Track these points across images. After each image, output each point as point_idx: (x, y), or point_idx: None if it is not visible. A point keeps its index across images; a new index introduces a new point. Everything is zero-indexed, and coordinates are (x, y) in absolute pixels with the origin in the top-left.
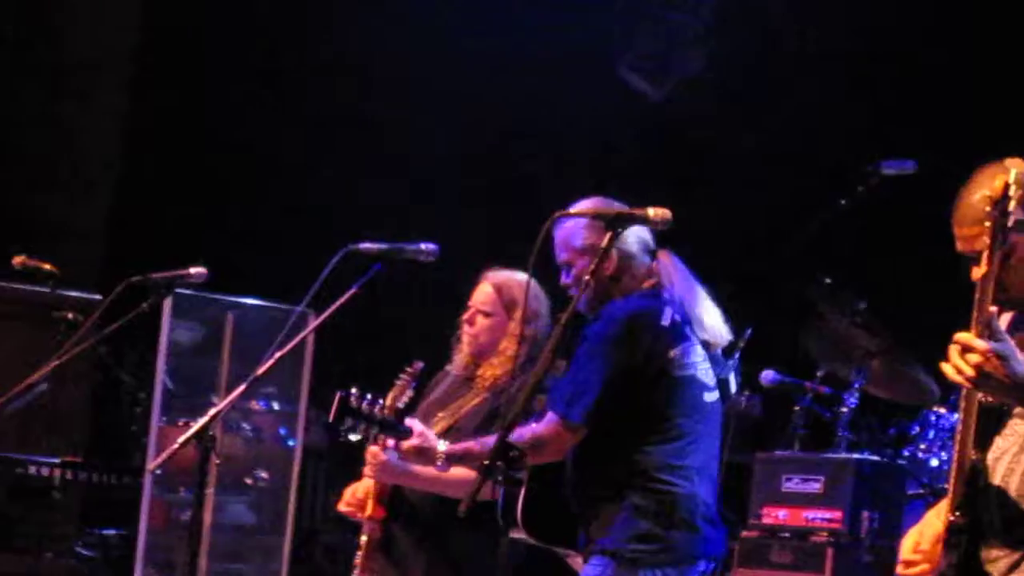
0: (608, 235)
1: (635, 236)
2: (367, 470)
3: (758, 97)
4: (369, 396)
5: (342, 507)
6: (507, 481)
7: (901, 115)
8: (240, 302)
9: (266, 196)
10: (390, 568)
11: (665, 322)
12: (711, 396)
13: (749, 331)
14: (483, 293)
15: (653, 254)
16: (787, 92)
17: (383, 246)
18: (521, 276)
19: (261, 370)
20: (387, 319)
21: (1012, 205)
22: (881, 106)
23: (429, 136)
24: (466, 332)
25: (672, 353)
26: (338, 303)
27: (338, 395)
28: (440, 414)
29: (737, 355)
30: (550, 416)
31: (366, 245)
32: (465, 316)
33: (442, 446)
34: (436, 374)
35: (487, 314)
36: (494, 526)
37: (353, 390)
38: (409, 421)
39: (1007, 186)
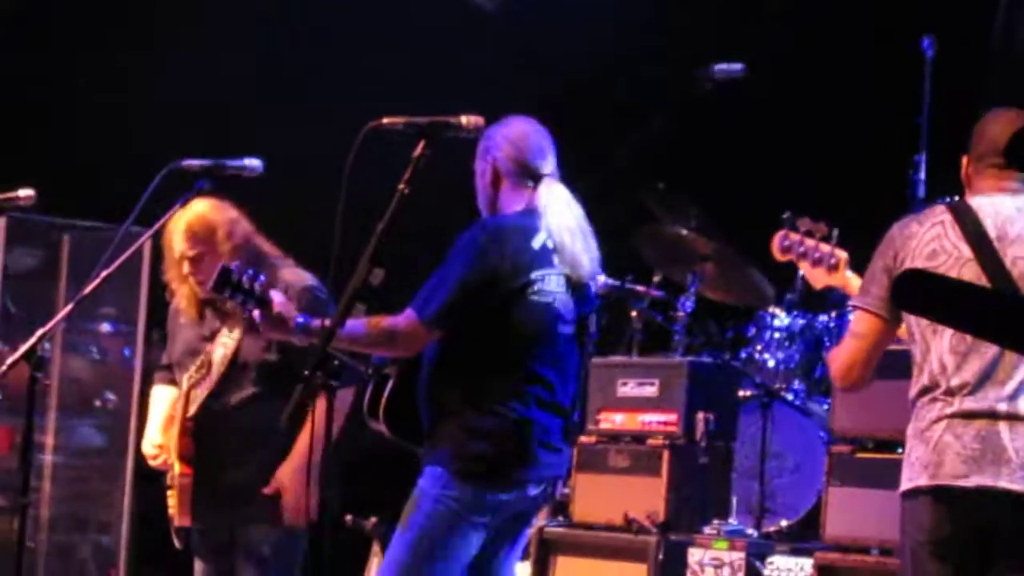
0: (421, 143)
1: (510, 157)
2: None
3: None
4: (251, 271)
5: (152, 463)
6: (374, 374)
7: (731, 18)
8: (76, 224)
9: (102, 116)
10: (204, 513)
11: (534, 244)
12: (567, 329)
13: None
14: (182, 240)
15: (536, 178)
16: None
17: (207, 162)
18: (198, 204)
19: (87, 289)
20: None
21: None
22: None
23: (257, 53)
24: (193, 280)
25: (533, 275)
26: (162, 220)
27: (220, 266)
28: (209, 347)
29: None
30: (408, 311)
31: (189, 162)
32: (185, 269)
33: (298, 318)
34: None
35: (198, 256)
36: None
37: (235, 263)
38: (273, 293)
39: None
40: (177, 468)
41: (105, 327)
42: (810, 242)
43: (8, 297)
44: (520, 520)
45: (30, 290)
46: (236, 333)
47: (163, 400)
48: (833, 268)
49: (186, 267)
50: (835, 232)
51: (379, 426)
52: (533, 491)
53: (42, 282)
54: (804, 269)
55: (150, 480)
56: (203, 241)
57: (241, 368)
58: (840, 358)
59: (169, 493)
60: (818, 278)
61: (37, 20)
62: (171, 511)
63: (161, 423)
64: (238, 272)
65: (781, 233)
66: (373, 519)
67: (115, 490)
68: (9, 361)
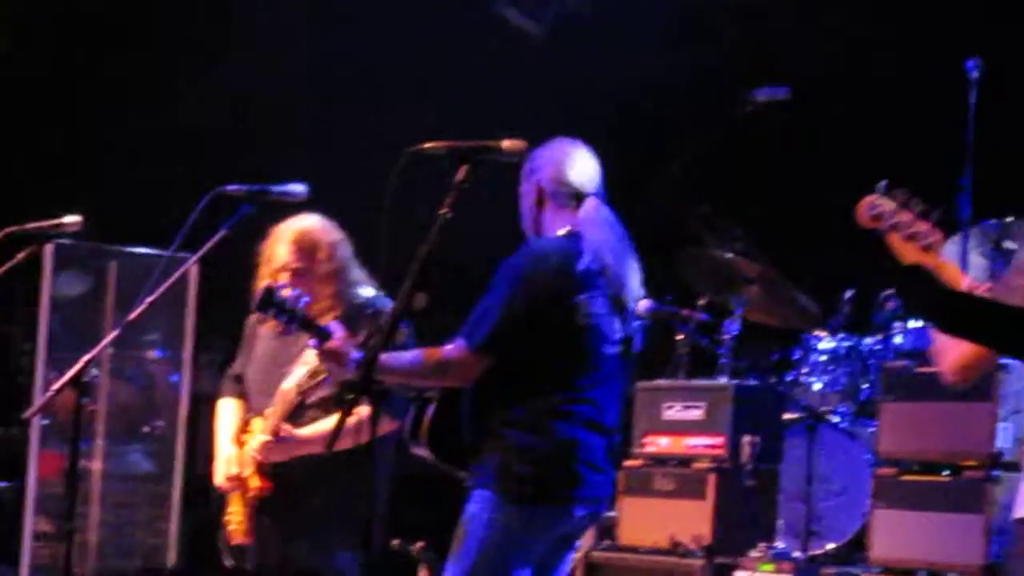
0: (463, 168)
1: (553, 178)
2: (254, 453)
3: (634, 26)
4: (296, 291)
5: (223, 484)
6: (416, 399)
7: (778, 44)
8: (124, 251)
9: (149, 142)
10: (276, 528)
11: (579, 267)
12: (612, 350)
13: None
14: (285, 251)
15: (580, 199)
16: (662, 20)
17: (251, 188)
18: (307, 218)
19: (133, 315)
20: None
21: None
22: (757, 36)
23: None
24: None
25: (579, 299)
26: (207, 246)
27: (265, 284)
28: (290, 367)
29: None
30: (458, 341)
31: (233, 187)
32: (283, 278)
33: (354, 353)
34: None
35: (297, 271)
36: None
37: (279, 283)
38: (332, 324)
39: None
40: (256, 482)
41: (152, 353)
42: (905, 215)
43: (55, 323)
44: (566, 542)
45: (77, 316)
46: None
47: (231, 413)
48: (928, 248)
49: (284, 279)
50: (936, 212)
51: (422, 450)
52: (579, 512)
53: (89, 308)
54: (894, 242)
55: (197, 506)
56: (306, 256)
57: (316, 389)
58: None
59: (231, 510)
60: (909, 253)
61: (86, 47)
62: (231, 527)
63: (232, 436)
64: (281, 292)
65: (872, 198)
66: (420, 543)
67: (162, 515)
68: (55, 387)
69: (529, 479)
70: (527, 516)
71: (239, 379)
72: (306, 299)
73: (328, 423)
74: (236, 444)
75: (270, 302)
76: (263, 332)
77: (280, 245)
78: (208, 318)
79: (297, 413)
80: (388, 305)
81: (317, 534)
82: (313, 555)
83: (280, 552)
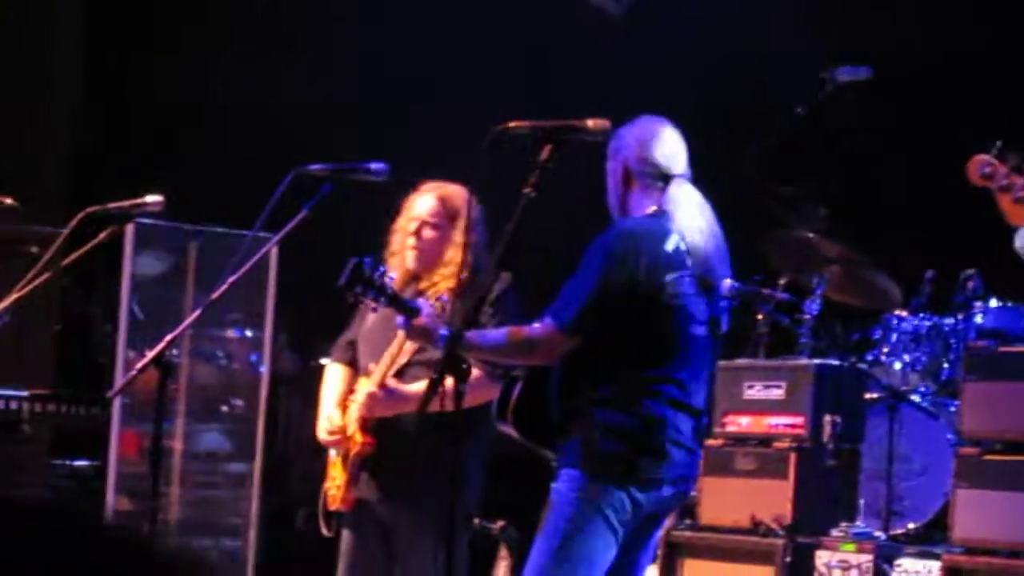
0: (547, 147)
1: (640, 157)
2: (359, 407)
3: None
4: (382, 268)
5: (324, 437)
6: (503, 377)
7: (856, 23)
8: (204, 230)
9: (228, 122)
10: (376, 486)
11: (667, 247)
12: (699, 330)
13: None
14: (428, 205)
15: (667, 179)
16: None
17: (332, 167)
18: (459, 187)
19: (215, 295)
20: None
21: None
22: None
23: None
24: (410, 245)
25: (667, 279)
26: (289, 225)
27: (351, 260)
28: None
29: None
30: (546, 319)
31: (315, 167)
32: (411, 229)
33: (442, 330)
34: None
35: (434, 226)
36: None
37: (367, 258)
38: (420, 301)
39: None
40: (359, 438)
41: (232, 332)
42: (1019, 178)
43: (135, 303)
44: (653, 521)
45: (157, 296)
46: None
47: (338, 377)
48: None
49: (413, 228)
50: None
51: (508, 429)
52: (667, 491)
53: (169, 288)
54: (1003, 203)
55: (276, 486)
56: (446, 217)
57: (421, 352)
58: None
59: (332, 474)
60: (1018, 215)
61: (166, 24)
62: (331, 492)
63: (338, 399)
64: (369, 268)
65: (984, 158)
66: (500, 522)
67: (242, 495)
68: (139, 366)
69: (616, 458)
70: (614, 495)
71: (351, 345)
72: (393, 275)
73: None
74: (340, 408)
75: (358, 278)
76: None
77: (426, 197)
78: (286, 298)
79: (403, 371)
80: (507, 289)
81: (415, 495)
82: (409, 514)
83: (373, 513)
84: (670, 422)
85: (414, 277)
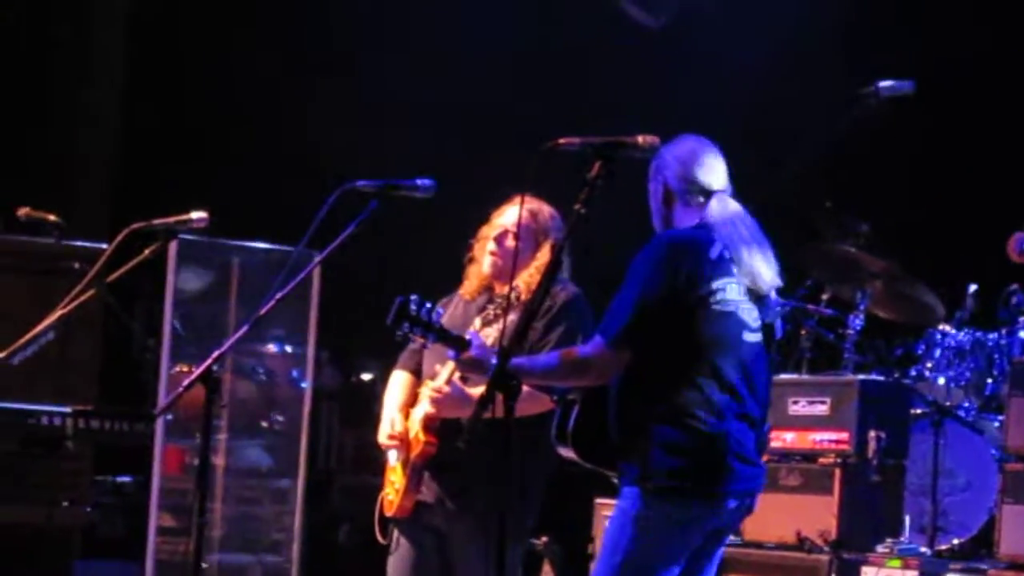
0: (597, 164)
1: (680, 176)
2: (427, 404)
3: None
4: (428, 304)
5: (384, 440)
6: (560, 402)
7: (898, 35)
8: (246, 246)
9: (268, 138)
10: (436, 488)
11: (711, 254)
12: (752, 337)
13: None
14: (516, 215)
15: (707, 195)
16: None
17: (379, 183)
18: (550, 207)
19: (262, 311)
20: (397, 259)
21: None
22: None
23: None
24: (490, 250)
25: (714, 285)
26: (336, 241)
27: (397, 300)
28: (486, 331)
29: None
30: (595, 338)
31: (362, 183)
32: (494, 234)
33: (493, 359)
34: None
35: (516, 236)
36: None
37: (413, 296)
38: (469, 333)
39: None
40: (422, 437)
41: (272, 348)
42: None
43: (177, 318)
44: (718, 536)
45: (199, 311)
46: (498, 326)
47: (401, 384)
48: None
49: (496, 234)
50: None
51: (568, 452)
52: (732, 505)
53: (211, 303)
54: None
55: (318, 501)
56: (531, 229)
57: None
58: None
59: (391, 479)
60: None
61: (211, 43)
62: (390, 498)
63: (400, 404)
64: (416, 306)
65: (1021, 235)
66: (544, 538)
67: (285, 510)
68: (186, 383)
69: (677, 474)
70: (676, 511)
71: (416, 353)
72: (440, 311)
73: None
74: (402, 413)
75: (404, 316)
76: (458, 299)
77: (512, 207)
78: (328, 315)
79: (467, 377)
80: (581, 307)
81: (472, 500)
82: (465, 520)
83: (430, 520)
84: (732, 435)
85: (488, 285)
